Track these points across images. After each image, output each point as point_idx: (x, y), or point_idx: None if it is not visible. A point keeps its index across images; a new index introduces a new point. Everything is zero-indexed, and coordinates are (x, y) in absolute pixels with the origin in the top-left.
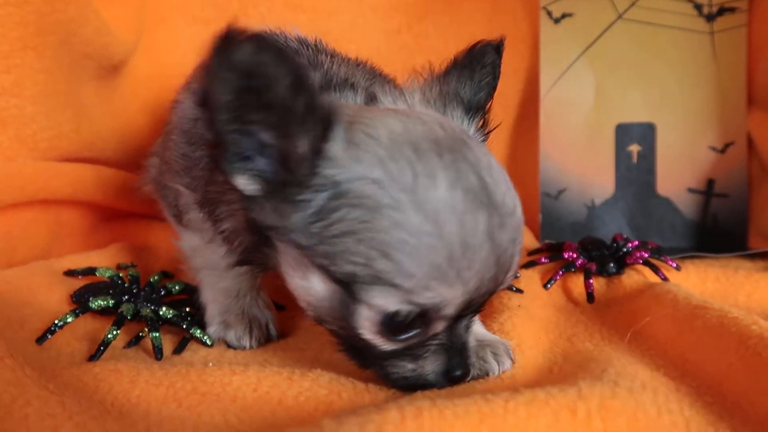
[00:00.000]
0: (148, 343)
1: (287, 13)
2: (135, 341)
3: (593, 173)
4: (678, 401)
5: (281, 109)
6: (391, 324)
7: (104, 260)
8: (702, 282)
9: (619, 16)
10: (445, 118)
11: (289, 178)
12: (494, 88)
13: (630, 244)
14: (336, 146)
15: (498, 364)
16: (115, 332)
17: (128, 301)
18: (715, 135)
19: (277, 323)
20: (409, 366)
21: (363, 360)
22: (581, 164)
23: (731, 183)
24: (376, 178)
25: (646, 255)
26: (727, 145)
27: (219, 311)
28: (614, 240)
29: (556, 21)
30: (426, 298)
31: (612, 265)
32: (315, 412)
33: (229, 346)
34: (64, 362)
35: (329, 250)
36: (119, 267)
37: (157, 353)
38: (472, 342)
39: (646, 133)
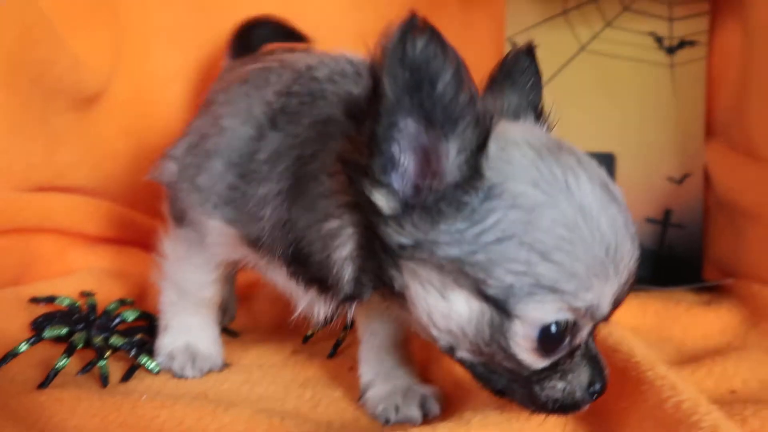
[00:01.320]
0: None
1: None
2: (88, 368)
3: None
4: None
5: (444, 107)
6: (547, 339)
7: (71, 286)
8: (642, 315)
9: (582, 48)
10: (530, 126)
11: (437, 188)
12: (541, 88)
13: None
14: (492, 146)
15: (421, 412)
16: (64, 361)
17: (81, 329)
18: (674, 166)
19: (223, 354)
20: (559, 385)
21: (504, 384)
22: None
23: (688, 214)
24: (532, 177)
25: None
26: (684, 176)
27: (168, 343)
28: None
29: None
30: (585, 300)
31: None
32: None
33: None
34: (17, 389)
35: (486, 259)
36: (82, 294)
37: (104, 381)
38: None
39: (606, 163)
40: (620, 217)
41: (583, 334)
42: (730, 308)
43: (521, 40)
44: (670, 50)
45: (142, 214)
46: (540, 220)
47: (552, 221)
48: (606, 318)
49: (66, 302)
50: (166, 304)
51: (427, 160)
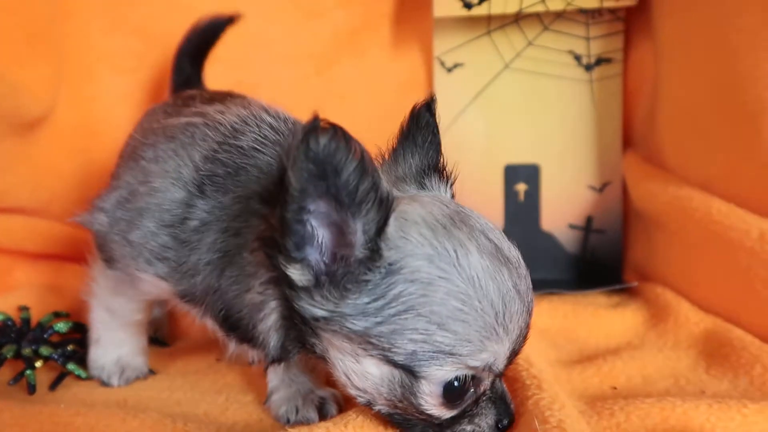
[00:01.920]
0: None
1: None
2: (18, 378)
3: (485, 210)
4: None
5: (348, 192)
6: (451, 393)
7: (10, 302)
8: (551, 319)
9: (506, 66)
10: (435, 194)
11: (347, 263)
12: (439, 144)
13: None
14: (392, 226)
15: (317, 414)
16: None
17: (12, 342)
18: (594, 175)
19: (148, 363)
20: (468, 428)
21: (420, 430)
22: (473, 202)
23: (608, 220)
24: (427, 254)
25: None
26: (604, 185)
27: (99, 356)
28: None
29: (449, 70)
30: (481, 359)
31: None
32: None
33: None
34: None
35: (388, 330)
36: (19, 308)
37: (30, 389)
38: (510, 400)
39: (531, 173)
40: (509, 280)
41: (486, 383)
42: (634, 310)
43: (449, 59)
44: (588, 67)
45: (83, 231)
46: (435, 293)
47: (446, 294)
48: (509, 364)
49: (0, 317)
50: (96, 321)
51: (342, 233)
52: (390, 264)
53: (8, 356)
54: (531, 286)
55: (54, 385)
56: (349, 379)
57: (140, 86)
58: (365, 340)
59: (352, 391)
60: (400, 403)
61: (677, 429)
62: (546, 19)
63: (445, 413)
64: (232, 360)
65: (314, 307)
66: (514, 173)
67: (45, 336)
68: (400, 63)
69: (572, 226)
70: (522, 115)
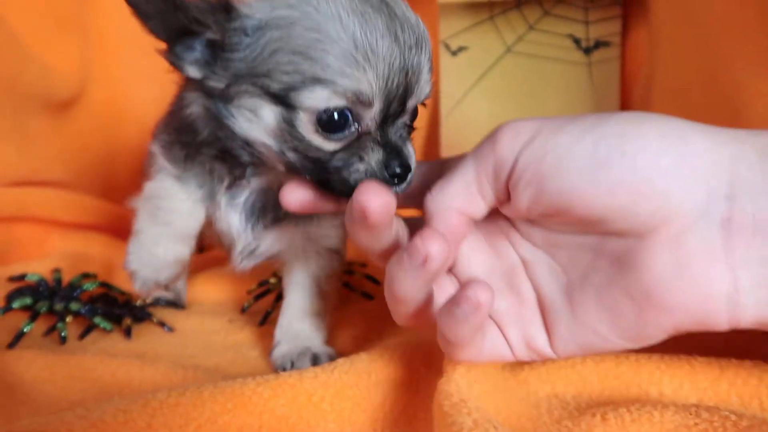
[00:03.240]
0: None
1: None
2: (50, 331)
3: None
4: None
5: (183, 20)
6: (327, 122)
7: (45, 266)
8: None
9: (508, 50)
10: None
11: (218, 48)
12: None
13: None
14: (250, 5)
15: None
16: (29, 325)
17: (45, 299)
18: None
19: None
20: (360, 166)
21: (322, 173)
22: None
23: None
24: (289, 2)
25: None
26: None
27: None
28: None
29: (453, 53)
30: (344, 86)
31: None
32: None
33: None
34: None
35: (265, 70)
36: (52, 271)
37: (62, 339)
38: (411, 151)
39: None
40: (381, 23)
41: (367, 122)
42: None
43: (453, 43)
44: (587, 50)
45: (111, 203)
46: (295, 30)
47: (304, 29)
48: (397, 111)
49: (35, 278)
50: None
51: (205, 39)
52: (258, 24)
53: (42, 311)
54: (426, 51)
55: (83, 336)
56: (257, 137)
57: (166, 68)
58: (252, 86)
59: (263, 149)
60: (292, 141)
61: (628, 374)
62: (546, 4)
63: (326, 144)
64: (243, 320)
65: (217, 82)
66: None
67: (75, 294)
68: None
69: None
70: (524, 96)
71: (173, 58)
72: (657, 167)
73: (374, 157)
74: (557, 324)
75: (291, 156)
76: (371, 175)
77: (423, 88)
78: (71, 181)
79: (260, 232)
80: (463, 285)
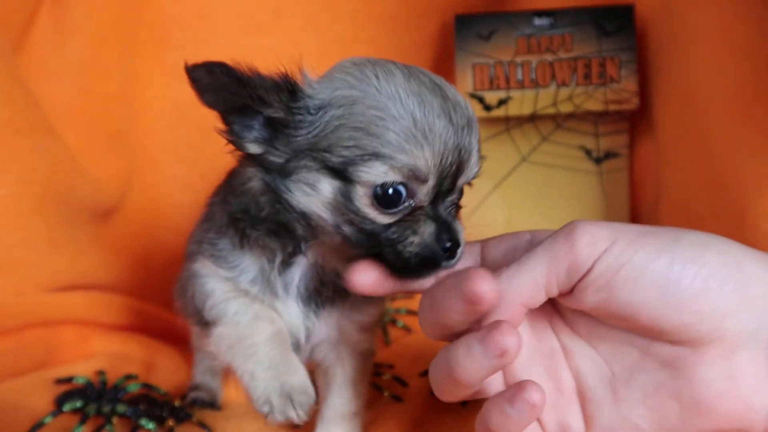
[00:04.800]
0: None
1: None
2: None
3: None
4: None
5: (246, 97)
6: (382, 196)
7: (89, 367)
8: None
9: (523, 159)
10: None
11: (282, 122)
12: None
13: None
14: (311, 85)
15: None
16: (80, 428)
17: (93, 401)
18: None
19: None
20: (415, 239)
21: (376, 246)
22: None
23: None
24: (350, 83)
25: None
26: None
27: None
28: None
29: None
30: (402, 162)
31: None
32: None
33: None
34: None
35: (326, 144)
36: (97, 373)
37: None
38: (460, 228)
39: None
40: (436, 100)
41: (420, 196)
42: None
43: None
44: (598, 161)
45: (149, 304)
46: (357, 108)
47: (366, 107)
48: (448, 188)
49: (81, 380)
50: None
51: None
52: (321, 103)
53: (91, 414)
54: (475, 132)
55: None
56: (313, 211)
57: (199, 174)
58: (312, 160)
59: (321, 222)
60: (348, 214)
61: None
62: (559, 119)
63: (381, 217)
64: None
65: (277, 158)
66: None
67: (119, 396)
68: None
69: None
70: (538, 203)
71: (233, 136)
72: (720, 293)
73: (427, 230)
74: (597, 415)
75: (346, 229)
76: (424, 248)
77: (473, 167)
78: (112, 284)
79: (315, 316)
80: (519, 385)
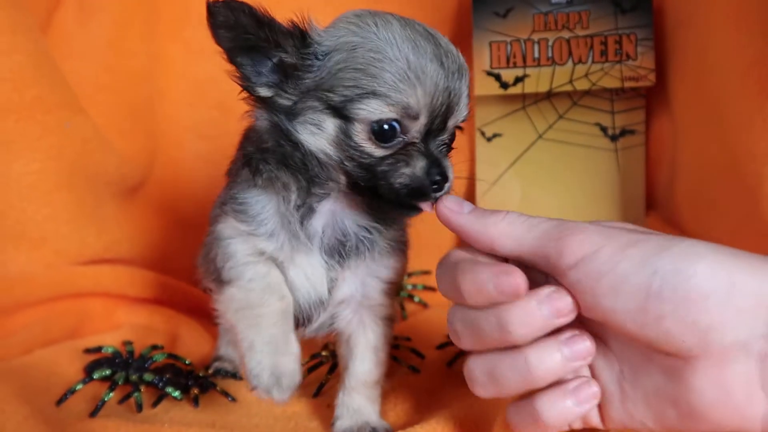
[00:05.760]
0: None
1: None
2: (125, 399)
3: None
4: None
5: (262, 39)
6: (379, 131)
7: (116, 338)
8: None
9: (539, 136)
10: None
11: (291, 69)
12: None
13: None
14: (319, 33)
15: None
16: (109, 395)
17: (121, 370)
18: None
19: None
20: (404, 170)
21: (372, 178)
22: None
23: None
24: (352, 30)
25: None
26: None
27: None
28: None
29: (488, 139)
30: (397, 99)
31: None
32: None
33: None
34: (74, 419)
35: (329, 85)
36: (124, 343)
37: (138, 408)
38: (449, 164)
39: None
40: (429, 49)
41: (413, 133)
42: None
43: (488, 130)
44: (614, 138)
45: (172, 278)
46: (358, 52)
47: (365, 50)
48: (439, 127)
49: (110, 350)
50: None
51: (279, 60)
52: (327, 49)
53: (120, 382)
54: (465, 79)
55: (156, 404)
56: (320, 147)
57: (220, 150)
58: (317, 101)
59: (326, 158)
60: (348, 150)
61: None
62: (575, 96)
63: (378, 151)
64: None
65: (285, 100)
66: None
67: (146, 365)
68: None
69: None
70: (554, 180)
71: (244, 81)
72: (704, 307)
73: (418, 164)
74: (608, 408)
75: (348, 164)
76: (414, 179)
77: (462, 110)
78: (135, 258)
79: (339, 267)
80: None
